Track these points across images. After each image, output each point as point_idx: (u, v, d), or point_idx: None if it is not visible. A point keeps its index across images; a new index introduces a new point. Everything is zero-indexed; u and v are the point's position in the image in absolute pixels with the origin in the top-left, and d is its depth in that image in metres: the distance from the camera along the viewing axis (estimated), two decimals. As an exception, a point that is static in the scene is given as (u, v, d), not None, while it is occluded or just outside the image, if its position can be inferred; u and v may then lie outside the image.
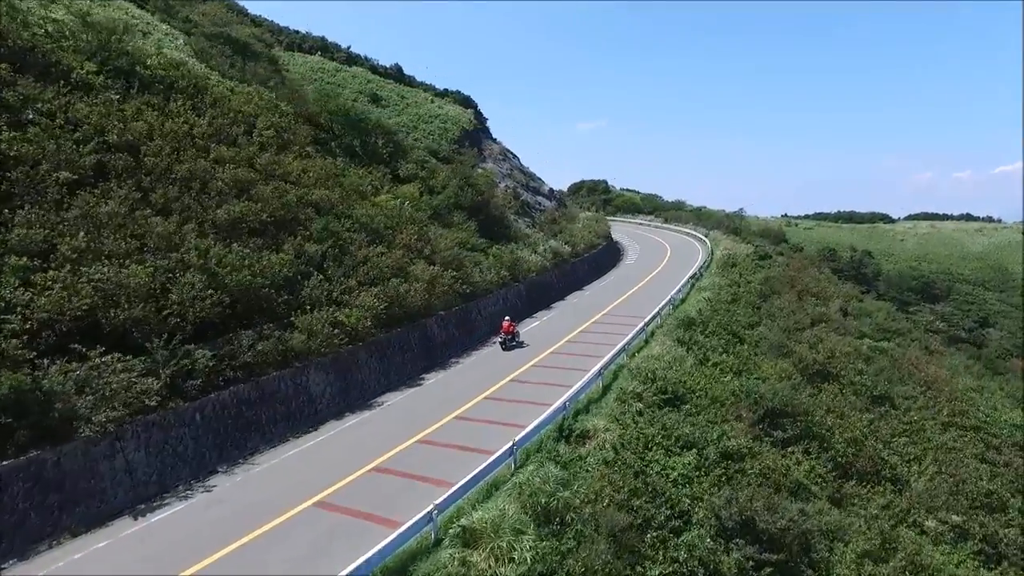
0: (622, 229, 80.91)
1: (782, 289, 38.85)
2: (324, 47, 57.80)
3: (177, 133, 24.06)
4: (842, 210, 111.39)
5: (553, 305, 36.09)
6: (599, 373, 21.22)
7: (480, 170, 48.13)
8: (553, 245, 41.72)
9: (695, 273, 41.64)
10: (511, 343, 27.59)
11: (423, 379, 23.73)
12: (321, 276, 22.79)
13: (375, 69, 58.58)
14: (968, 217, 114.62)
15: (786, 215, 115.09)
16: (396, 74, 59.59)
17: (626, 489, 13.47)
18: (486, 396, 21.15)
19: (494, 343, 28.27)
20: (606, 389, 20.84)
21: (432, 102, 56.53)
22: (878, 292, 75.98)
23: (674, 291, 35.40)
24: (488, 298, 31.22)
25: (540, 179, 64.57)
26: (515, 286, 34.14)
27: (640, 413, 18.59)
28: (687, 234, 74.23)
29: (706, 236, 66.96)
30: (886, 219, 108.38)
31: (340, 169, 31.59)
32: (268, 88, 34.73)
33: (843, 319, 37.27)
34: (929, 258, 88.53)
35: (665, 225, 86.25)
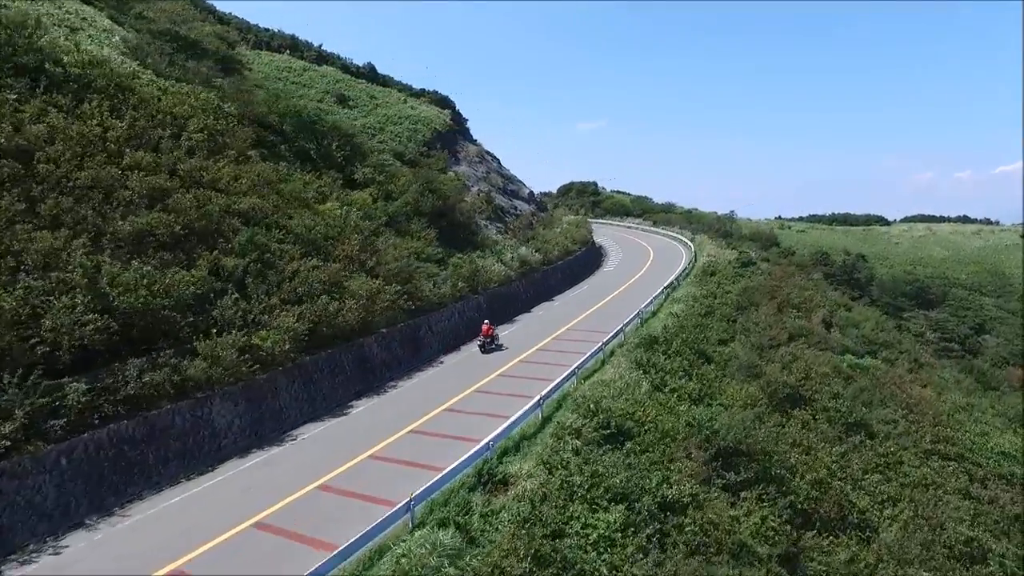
0: (608, 233, 78.85)
1: (762, 300, 36.78)
2: (294, 46, 55.78)
3: (86, 137, 22.02)
4: (838, 212, 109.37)
5: (517, 318, 34.02)
6: (539, 403, 19.17)
7: (450, 174, 46.11)
8: (523, 253, 39.69)
9: (671, 282, 39.57)
10: (490, 346, 27.66)
11: (352, 407, 21.67)
12: (237, 295, 20.74)
13: (347, 68, 56.53)
14: (965, 219, 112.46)
15: (780, 217, 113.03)
16: (369, 73, 57.54)
17: (529, 560, 11.41)
18: (412, 429, 19.10)
19: (440, 363, 26.27)
20: (545, 421, 18.79)
21: (405, 102, 54.48)
22: (871, 298, 73.92)
23: (645, 303, 33.33)
24: (441, 313, 29.18)
25: (521, 182, 62.53)
26: (474, 299, 32.08)
27: (576, 452, 16.54)
28: (674, 238, 72.16)
29: (691, 240, 64.85)
30: (882, 221, 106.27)
31: (283, 175, 29.53)
32: (212, 88, 32.67)
33: (826, 332, 35.20)
34: (924, 262, 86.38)
35: (653, 228, 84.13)
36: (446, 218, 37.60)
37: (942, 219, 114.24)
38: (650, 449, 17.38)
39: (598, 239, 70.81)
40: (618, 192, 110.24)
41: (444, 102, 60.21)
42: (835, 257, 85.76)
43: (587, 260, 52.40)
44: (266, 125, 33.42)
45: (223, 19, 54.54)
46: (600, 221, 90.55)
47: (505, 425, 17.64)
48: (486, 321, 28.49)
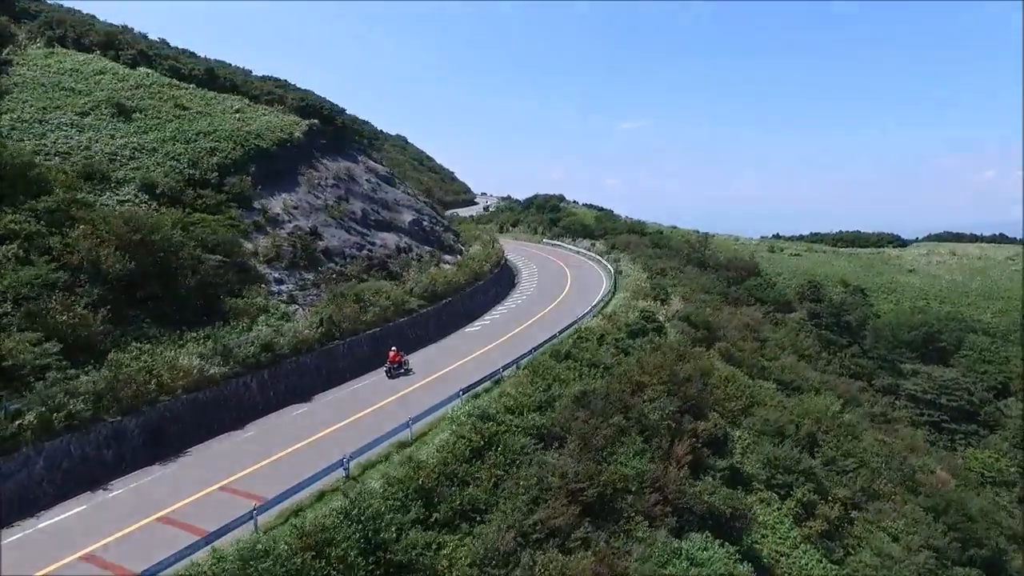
0: (545, 259, 66.47)
1: (609, 411, 24.20)
2: (109, 44, 45.41)
3: None
4: (845, 230, 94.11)
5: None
6: None
7: (246, 210, 34.92)
8: (265, 334, 27.22)
9: (490, 377, 27.37)
10: (397, 371, 29.12)
11: None
12: None
13: (178, 71, 45.93)
14: (1003, 238, 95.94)
15: (778, 235, 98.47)
16: (205, 77, 46.73)
17: None
18: None
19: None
20: None
21: (238, 112, 43.52)
22: (862, 347, 59.82)
23: (393, 427, 21.53)
24: None
25: (408, 206, 50.96)
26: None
27: None
28: (620, 271, 58.97)
29: (614, 276, 51.99)
30: (895, 242, 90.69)
31: None
32: None
33: (677, 476, 22.19)
34: (941, 295, 71.32)
35: (613, 251, 71.00)
36: (166, 280, 26.25)
37: (973, 238, 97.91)
38: None
39: (524, 271, 58.81)
40: (590, 206, 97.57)
41: (307, 109, 49.09)
42: (831, 288, 71.69)
43: (426, 322, 39.88)
44: None
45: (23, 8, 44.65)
46: (555, 243, 78.23)
47: None
48: (393, 347, 29.88)
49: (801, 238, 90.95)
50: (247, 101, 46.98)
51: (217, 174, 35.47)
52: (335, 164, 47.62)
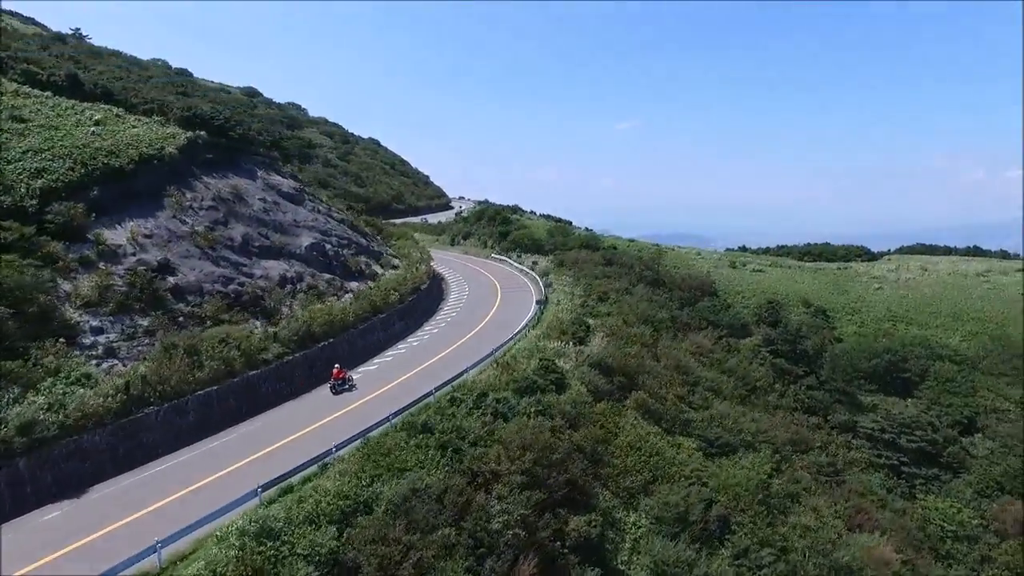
0: (482, 278, 61.34)
1: (436, 521, 18.96)
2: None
3: None
4: (813, 242, 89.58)
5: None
6: None
7: (53, 246, 29.51)
8: (80, 396, 22.36)
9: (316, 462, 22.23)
10: (341, 387, 31.03)
11: None
12: None
13: (33, 77, 40.41)
14: (976, 251, 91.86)
15: (744, 248, 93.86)
16: (67, 84, 41.19)
17: None
18: None
19: None
20: None
21: (96, 124, 38.02)
22: (819, 379, 55.05)
23: (138, 551, 16.30)
24: None
25: (316, 226, 45.66)
26: None
27: None
28: (548, 300, 54.01)
29: (543, 302, 46.87)
30: (865, 255, 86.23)
31: None
32: None
33: None
34: (908, 316, 66.78)
35: (561, 268, 65.84)
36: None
37: (948, 250, 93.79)
38: None
39: (453, 293, 53.39)
40: (547, 216, 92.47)
41: (190, 121, 43.64)
42: (792, 309, 67.02)
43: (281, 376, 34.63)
44: None
45: None
46: (502, 258, 73.12)
47: None
48: (336, 365, 31.64)
49: (767, 251, 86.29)
50: (119, 111, 41.57)
51: (37, 201, 30.01)
52: (221, 182, 42.24)
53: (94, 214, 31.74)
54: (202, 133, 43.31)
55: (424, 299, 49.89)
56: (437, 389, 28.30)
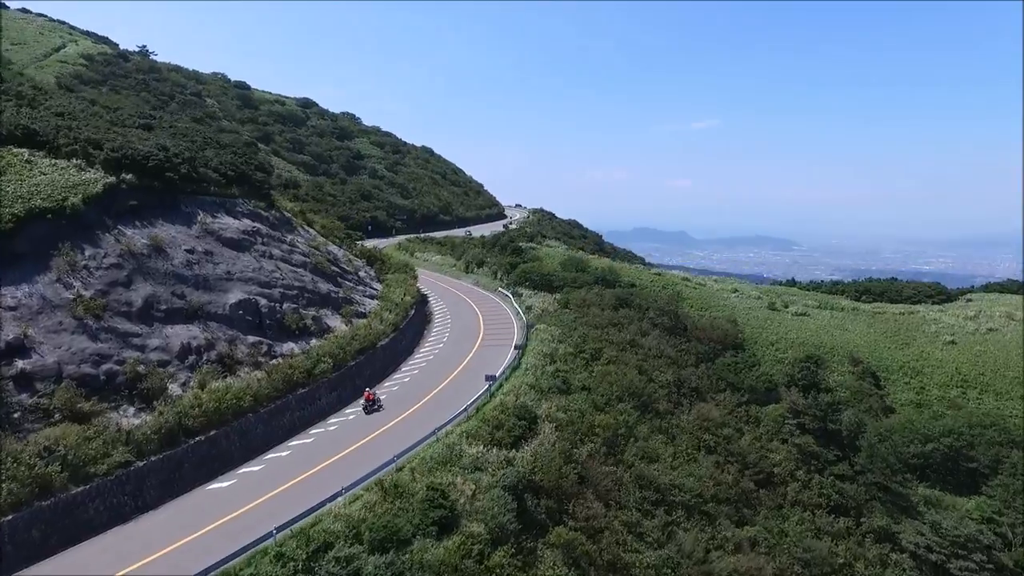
0: (475, 319, 54.80)
1: None
2: None
3: None
4: (874, 277, 77.37)
5: None
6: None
7: None
8: None
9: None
10: (372, 408, 35.40)
11: None
12: None
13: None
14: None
15: (793, 281, 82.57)
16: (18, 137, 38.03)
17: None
18: None
19: None
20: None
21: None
22: (853, 465, 45.20)
23: None
24: None
25: (256, 277, 40.82)
26: None
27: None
28: (518, 366, 46.77)
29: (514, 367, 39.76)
30: (938, 295, 73.06)
31: None
32: None
33: None
34: (983, 382, 55.02)
35: (567, 309, 58.53)
36: None
37: (1047, 288, 78.70)
38: None
39: (427, 342, 47.06)
40: (569, 237, 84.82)
41: (124, 162, 39.76)
42: (836, 367, 57.02)
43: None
44: None
45: None
46: (507, 294, 66.45)
47: None
48: (367, 388, 36.45)
49: (818, 287, 74.87)
50: (36, 155, 38.16)
51: None
52: (140, 232, 38.01)
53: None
54: (127, 176, 39.36)
55: (380, 357, 44.14)
56: (279, 529, 22.22)
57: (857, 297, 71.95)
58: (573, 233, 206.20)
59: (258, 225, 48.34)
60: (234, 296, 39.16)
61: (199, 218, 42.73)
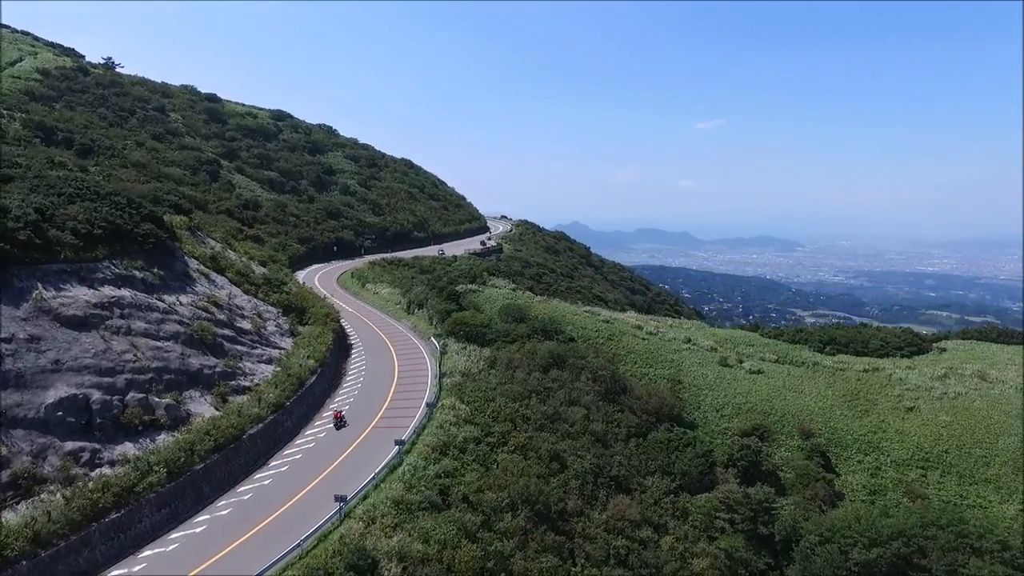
0: (380, 389, 49.16)
1: None
2: None
3: None
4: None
5: None
6: None
7: None
8: None
9: None
10: (341, 425, 41.79)
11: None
12: None
13: None
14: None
15: (756, 325, 76.92)
16: None
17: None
18: None
19: None
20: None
21: None
22: (785, 581, 39.51)
23: None
24: None
25: (96, 365, 35.39)
26: None
27: None
28: (432, 437, 41.30)
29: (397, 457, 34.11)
30: (911, 344, 67.05)
31: None
32: None
33: None
34: (947, 462, 49.28)
35: (492, 369, 53.09)
36: None
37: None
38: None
39: (304, 434, 41.49)
40: (521, 270, 79.37)
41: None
42: (783, 442, 51.60)
43: None
44: None
45: None
46: (439, 346, 60.82)
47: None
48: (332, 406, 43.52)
49: (779, 336, 69.12)
50: None
51: None
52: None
53: None
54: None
55: (246, 450, 38.53)
56: None
57: (822, 347, 66.14)
58: (557, 247, 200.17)
59: (123, 292, 42.91)
60: (56, 393, 33.70)
61: (34, 294, 37.28)
